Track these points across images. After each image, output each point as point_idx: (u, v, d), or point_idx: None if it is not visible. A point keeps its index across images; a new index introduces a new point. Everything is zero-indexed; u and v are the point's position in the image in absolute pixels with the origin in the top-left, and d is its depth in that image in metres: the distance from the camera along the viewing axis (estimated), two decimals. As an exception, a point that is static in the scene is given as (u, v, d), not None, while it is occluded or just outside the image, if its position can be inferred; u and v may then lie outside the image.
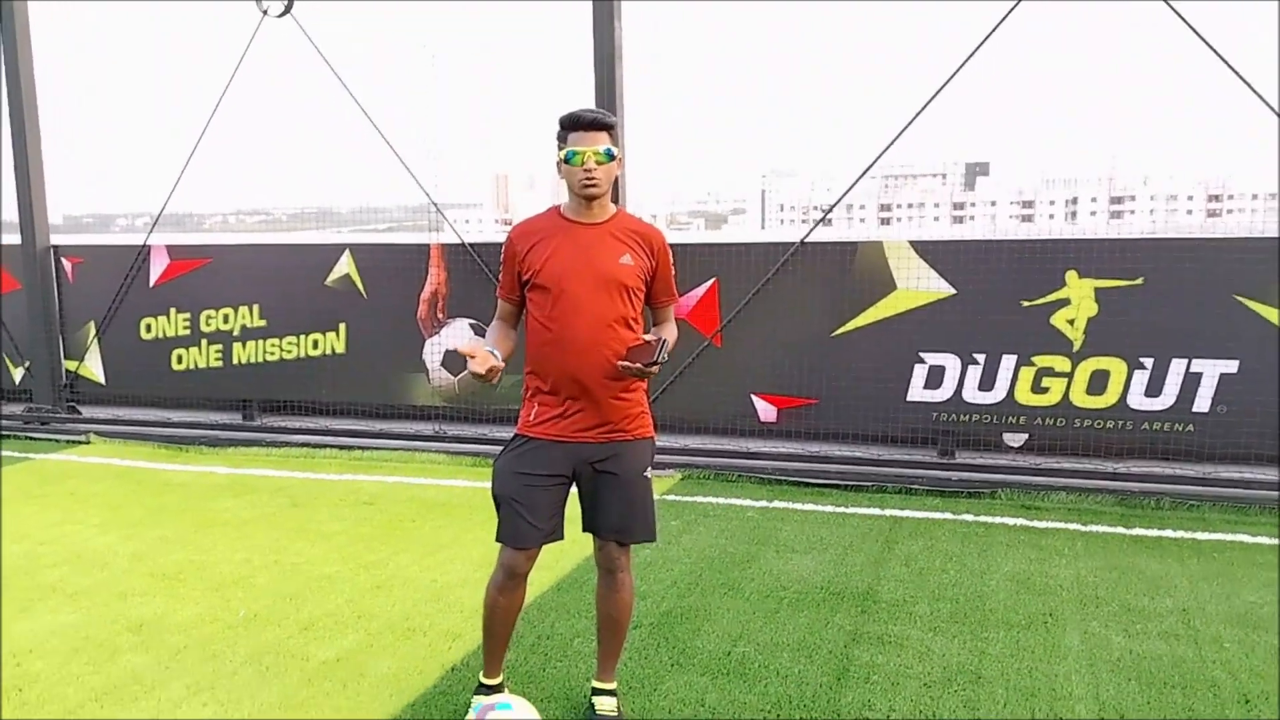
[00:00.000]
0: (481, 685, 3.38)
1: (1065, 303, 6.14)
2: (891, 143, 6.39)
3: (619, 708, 3.36)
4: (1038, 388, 6.25)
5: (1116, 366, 6.09)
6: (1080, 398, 6.17)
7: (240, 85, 7.78)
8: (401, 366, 7.63)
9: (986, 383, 6.34)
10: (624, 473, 3.18)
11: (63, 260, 8.44)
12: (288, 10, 7.47)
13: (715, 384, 6.87)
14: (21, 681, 3.73)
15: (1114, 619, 4.19)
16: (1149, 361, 6.04)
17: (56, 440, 7.97)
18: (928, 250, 6.38)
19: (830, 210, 7.27)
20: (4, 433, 8.20)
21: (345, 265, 7.67)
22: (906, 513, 5.73)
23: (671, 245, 6.93)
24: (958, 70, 6.12)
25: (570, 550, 4.33)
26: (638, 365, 2.99)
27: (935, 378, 6.44)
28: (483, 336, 3.20)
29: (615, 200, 6.78)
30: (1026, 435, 6.37)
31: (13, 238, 8.49)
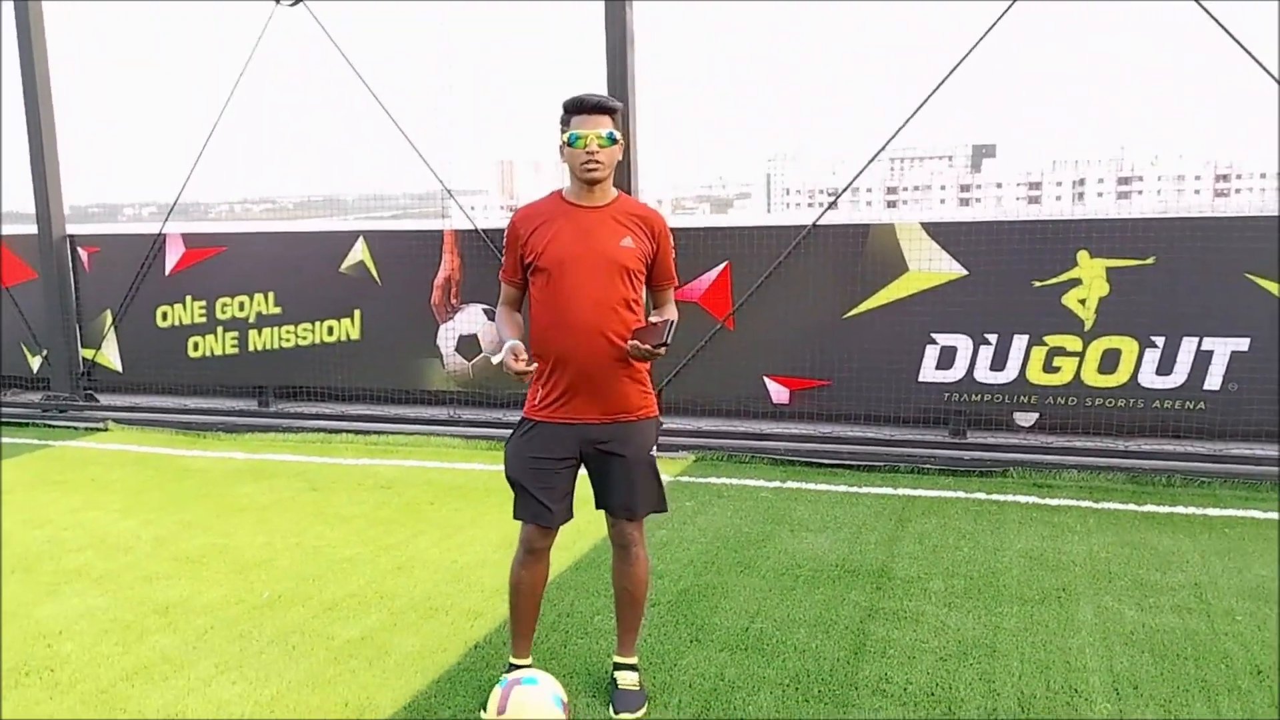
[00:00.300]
0: (511, 665, 3.44)
1: (1076, 283, 6.16)
2: (902, 126, 6.40)
3: (641, 682, 3.42)
4: (1049, 367, 6.28)
5: (1128, 345, 6.12)
6: (1092, 377, 6.20)
7: (250, 74, 7.83)
8: (416, 352, 7.69)
9: (998, 363, 6.37)
10: (630, 453, 3.23)
11: (79, 249, 8.51)
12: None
13: (728, 366, 6.92)
14: (53, 662, 3.80)
15: (1126, 593, 4.24)
16: (1160, 340, 6.07)
17: (75, 428, 8.05)
18: (939, 232, 6.41)
19: (840, 194, 7.30)
20: (23, 420, 8.28)
21: (360, 252, 7.73)
22: (919, 492, 5.78)
23: (684, 229, 6.98)
24: (968, 54, 6.13)
25: (587, 530, 4.40)
26: (646, 346, 3.05)
27: (947, 358, 6.48)
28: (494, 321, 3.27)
29: (627, 186, 6.85)
30: (1037, 415, 6.41)
31: (22, 227, 8.57)
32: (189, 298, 8.22)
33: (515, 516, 3.31)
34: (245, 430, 7.73)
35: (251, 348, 8.11)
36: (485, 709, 3.20)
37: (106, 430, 7.96)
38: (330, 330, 7.89)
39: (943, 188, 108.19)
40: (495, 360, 3.13)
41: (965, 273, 6.37)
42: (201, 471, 6.67)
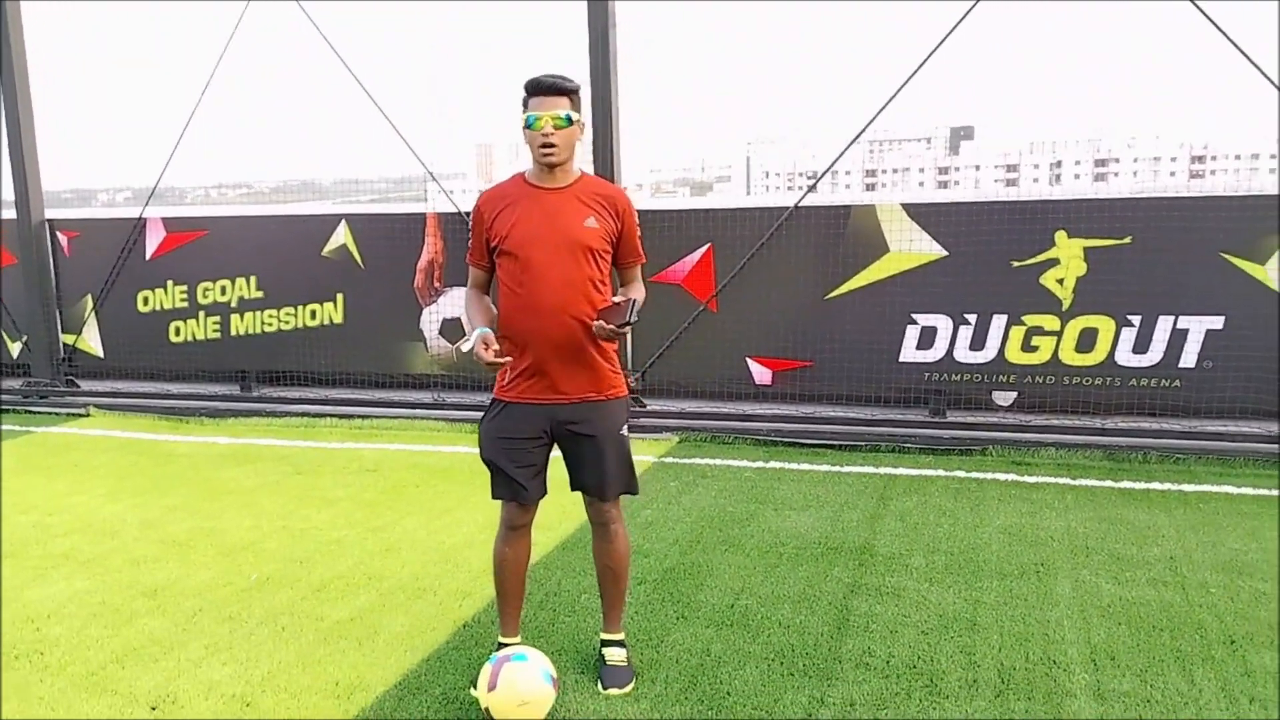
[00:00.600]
0: (500, 644, 3.48)
1: (1055, 262, 6.24)
2: (882, 108, 6.44)
3: (629, 658, 3.48)
4: (1028, 346, 6.36)
5: (1105, 324, 6.21)
6: (1069, 356, 6.29)
7: (227, 60, 7.78)
8: (399, 336, 7.70)
9: (977, 342, 6.45)
10: (599, 433, 3.27)
11: (58, 234, 8.45)
12: (277, -19, 7.45)
13: (711, 348, 6.97)
14: (42, 645, 3.82)
15: (1104, 567, 4.32)
16: (1136, 319, 6.16)
17: (56, 414, 8.02)
18: (920, 213, 6.47)
19: (821, 177, 7.33)
20: (3, 407, 8.24)
21: (342, 235, 7.71)
22: (900, 470, 5.85)
23: (666, 212, 7.00)
24: (946, 36, 6.18)
25: (572, 511, 4.43)
26: (610, 326, 3.08)
27: (927, 338, 6.54)
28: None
29: (609, 170, 6.87)
30: (1016, 394, 6.49)
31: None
32: (170, 282, 8.18)
33: (493, 496, 3.36)
34: (228, 415, 7.72)
35: (234, 332, 8.09)
36: (475, 686, 3.24)
37: (88, 416, 7.93)
38: (313, 314, 7.88)
39: (921, 170, 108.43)
40: (465, 349, 3.16)
41: (945, 253, 6.43)
42: (186, 456, 6.67)
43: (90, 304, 8.41)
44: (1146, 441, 6.06)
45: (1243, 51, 5.63)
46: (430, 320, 7.63)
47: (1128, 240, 6.11)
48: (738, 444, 6.53)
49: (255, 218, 8.38)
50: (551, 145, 3.11)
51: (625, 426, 3.36)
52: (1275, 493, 5.26)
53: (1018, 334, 6.37)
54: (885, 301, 6.57)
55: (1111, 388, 6.25)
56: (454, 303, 7.53)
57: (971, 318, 6.44)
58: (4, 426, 7.65)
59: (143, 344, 8.34)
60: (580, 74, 6.78)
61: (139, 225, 8.18)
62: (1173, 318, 6.10)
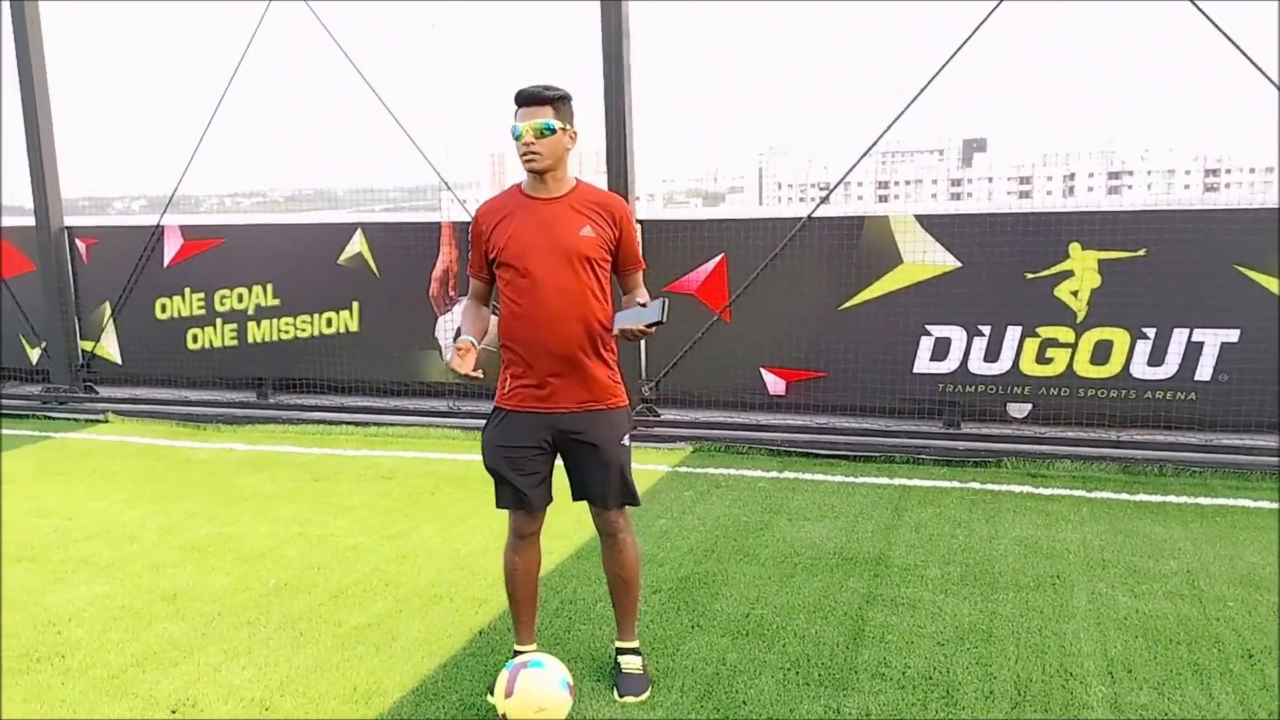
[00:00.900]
0: (516, 653, 3.49)
1: (1069, 274, 6.24)
2: (895, 120, 6.46)
3: (644, 666, 3.49)
4: (1042, 358, 6.36)
5: (1119, 337, 6.20)
6: (1084, 368, 6.29)
7: (244, 68, 7.84)
8: (415, 344, 7.73)
9: (992, 354, 6.45)
10: (601, 442, 3.29)
11: (77, 241, 8.53)
12: (296, -9, 7.52)
13: (725, 358, 6.99)
14: (63, 648, 3.85)
15: (1120, 580, 4.32)
16: (1151, 331, 6.15)
17: (75, 419, 8.08)
18: (933, 224, 6.48)
19: (834, 188, 7.36)
20: (23, 413, 8.31)
21: (358, 244, 7.76)
22: (915, 482, 5.86)
23: (681, 221, 7.01)
24: (959, 48, 6.19)
25: (587, 519, 4.41)
26: (639, 327, 3.09)
27: (941, 350, 6.55)
28: (496, 315, 3.36)
29: (623, 180, 6.90)
30: (1030, 406, 6.49)
31: (19, 219, 8.58)
32: (188, 290, 8.24)
33: (498, 505, 3.40)
34: (245, 422, 7.77)
35: (251, 340, 8.14)
36: (492, 692, 3.27)
37: (107, 422, 7.99)
38: (329, 322, 7.93)
39: (934, 182, 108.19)
40: (446, 359, 3.21)
41: (959, 265, 6.44)
42: (203, 462, 6.71)
43: (109, 311, 8.48)
44: (1162, 454, 6.05)
45: (1242, 51, 5.64)
46: (445, 328, 7.66)
47: (1142, 253, 6.11)
48: (752, 454, 6.54)
49: (272, 226, 8.44)
50: (534, 153, 3.14)
51: (627, 436, 3.38)
52: (1292, 506, 5.25)
53: (1032, 346, 6.37)
54: (899, 312, 6.58)
55: (1127, 400, 6.25)
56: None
57: (986, 329, 6.44)
58: (24, 432, 7.71)
59: (161, 351, 8.39)
60: (594, 84, 6.85)
61: (157, 233, 8.25)
62: (1188, 330, 6.09)
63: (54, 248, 8.41)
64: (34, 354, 8.77)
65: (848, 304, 6.68)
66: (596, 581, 4.36)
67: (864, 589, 4.27)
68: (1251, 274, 5.95)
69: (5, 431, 7.72)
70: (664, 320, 3.06)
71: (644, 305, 3.18)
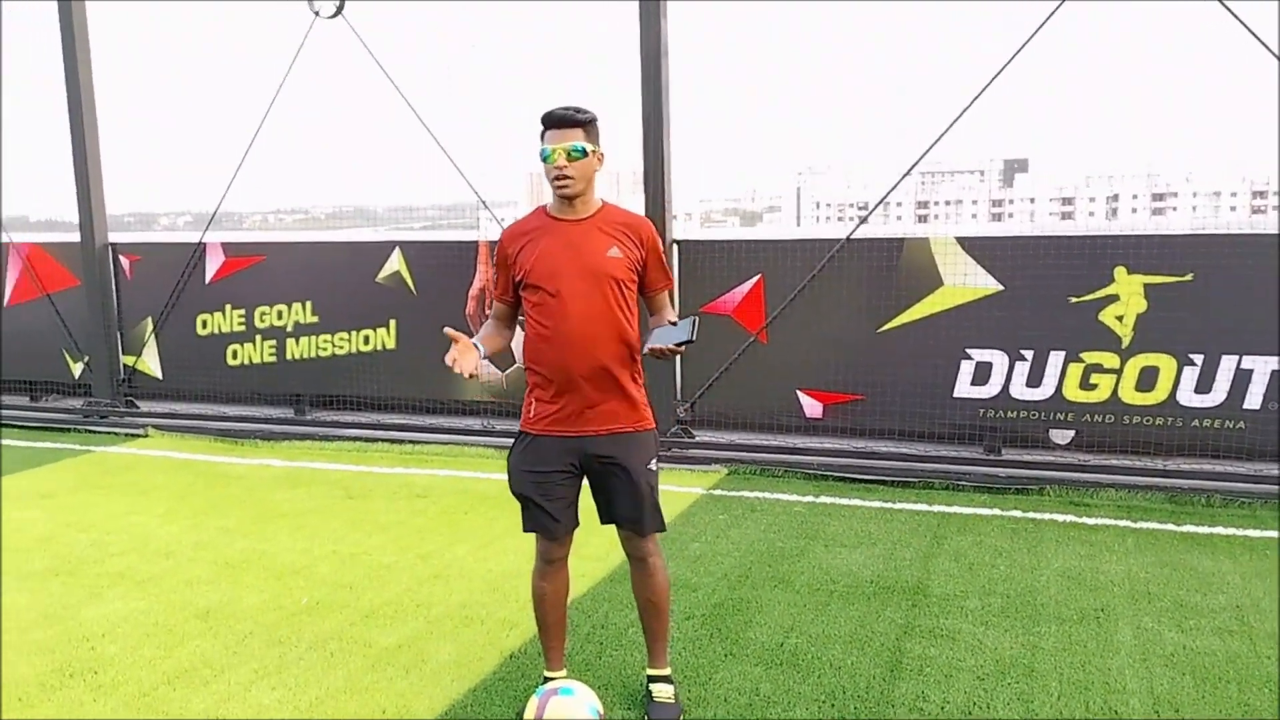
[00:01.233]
0: (546, 679, 3.46)
1: (1114, 299, 6.12)
2: (937, 139, 6.39)
3: (676, 694, 3.43)
4: (1086, 384, 6.24)
5: (1166, 363, 6.07)
6: (1129, 394, 6.16)
7: (287, 85, 7.93)
8: (450, 362, 7.73)
9: (1034, 379, 6.34)
10: (630, 465, 3.25)
11: (120, 257, 8.64)
12: (339, 12, 7.61)
13: (761, 380, 6.92)
14: (96, 664, 3.86)
15: (1166, 614, 4.20)
16: (1199, 358, 6.02)
17: (115, 433, 8.17)
18: (974, 247, 6.39)
19: (874, 209, 7.29)
20: (65, 425, 8.42)
21: (396, 262, 7.80)
22: (954, 509, 5.75)
23: (718, 242, 6.97)
24: (1003, 69, 6.12)
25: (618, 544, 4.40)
26: (669, 346, 3.05)
27: (982, 374, 6.45)
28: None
29: (659, 199, 6.87)
30: (1074, 432, 6.37)
31: (64, 235, 8.71)
32: (228, 306, 8.32)
33: (525, 529, 3.38)
34: (282, 438, 7.81)
35: (289, 356, 8.20)
36: (521, 718, 3.22)
37: (147, 436, 8.07)
38: (366, 340, 7.96)
39: (974, 202, 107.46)
40: (448, 359, 3.19)
41: (1000, 288, 6.34)
42: (240, 478, 6.75)
43: (150, 326, 8.58)
44: (1210, 484, 5.90)
45: (1265, 44, 5.51)
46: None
47: (1190, 277, 5.98)
48: (787, 478, 6.46)
49: (312, 244, 8.51)
50: (566, 178, 3.13)
51: (654, 460, 3.34)
52: (1346, 540, 5.10)
53: (1076, 371, 6.25)
54: (939, 336, 6.49)
55: (1173, 428, 6.10)
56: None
57: (1028, 354, 6.33)
58: (65, 445, 7.80)
59: (201, 366, 8.47)
60: (632, 103, 6.85)
61: (199, 250, 8.34)
62: (1236, 357, 5.95)
63: (98, 264, 8.53)
64: (76, 368, 8.89)
65: (887, 326, 6.60)
66: (628, 606, 4.31)
67: (902, 619, 4.18)
68: (1303, 300, 5.80)
69: (47, 445, 7.83)
70: (693, 339, 3.02)
71: (674, 324, 3.15)
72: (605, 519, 3.37)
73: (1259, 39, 5.63)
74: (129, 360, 8.73)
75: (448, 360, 3.18)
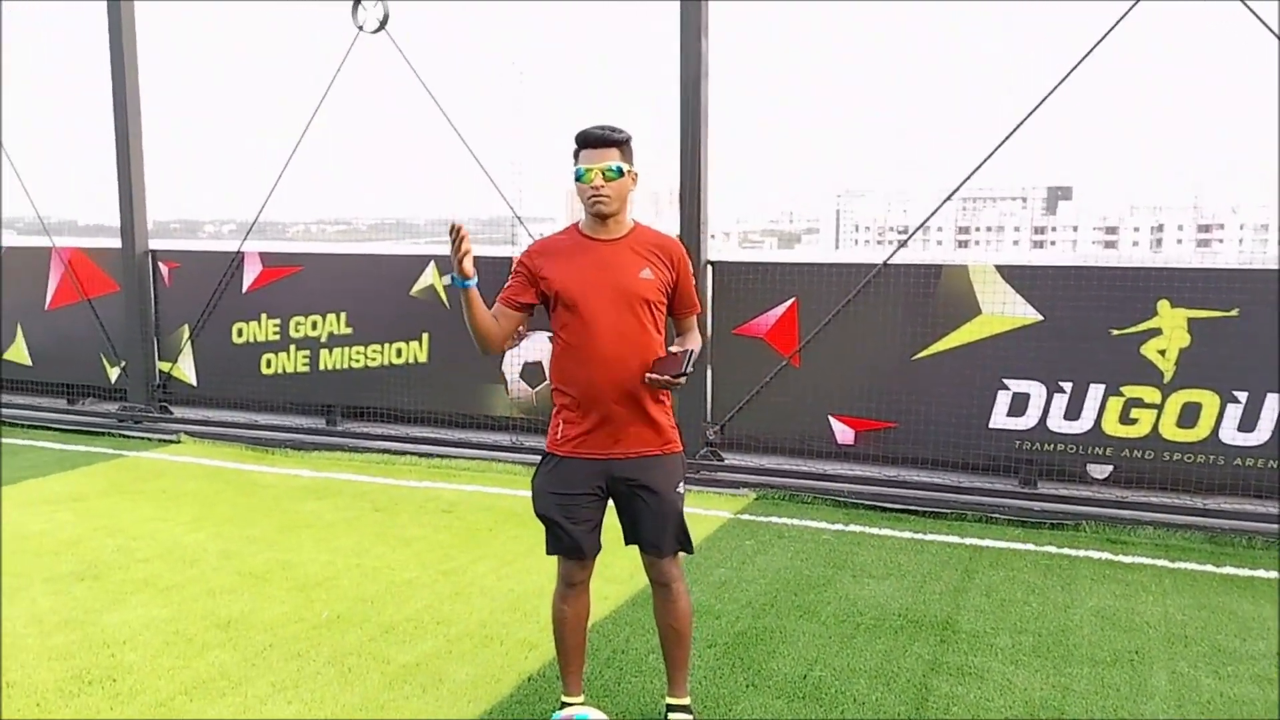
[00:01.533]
0: (563, 704, 3.41)
1: (1156, 332, 6.00)
2: (979, 166, 6.32)
3: (696, 726, 3.37)
4: (1126, 419, 6.11)
5: (1209, 399, 5.93)
6: (1170, 430, 6.01)
7: (330, 97, 8.00)
8: (481, 377, 7.73)
9: (1073, 412, 6.21)
10: (658, 488, 3.20)
11: (160, 264, 8.74)
12: (382, 27, 7.67)
13: (792, 404, 6.85)
14: (115, 671, 3.86)
15: (1204, 660, 4.07)
16: (1243, 395, 5.87)
17: (149, 439, 8.24)
18: (1014, 275, 6.29)
19: (913, 234, 7.21)
20: (100, 429, 8.50)
21: (430, 276, 7.82)
22: (987, 542, 5.64)
23: (753, 264, 6.92)
24: (1049, 95, 6.04)
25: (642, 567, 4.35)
26: (665, 377, 3.03)
27: (1019, 405, 6.33)
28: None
29: (696, 219, 6.84)
30: (1112, 467, 6.23)
31: (105, 240, 8.82)
32: (264, 315, 8.38)
33: (548, 551, 3.34)
34: (312, 448, 7.84)
35: (322, 367, 8.23)
36: (538, 744, 3.17)
37: (179, 443, 8.13)
38: (399, 352, 7.98)
39: (1016, 229, 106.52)
40: (445, 282, 3.07)
41: (1040, 318, 6.23)
42: (269, 487, 6.77)
43: (187, 333, 8.65)
44: (1252, 525, 5.74)
45: None
46: (512, 363, 7.62)
47: (1234, 313, 5.85)
48: (817, 504, 6.37)
49: (347, 256, 8.56)
50: (603, 196, 3.09)
51: (682, 484, 3.29)
52: (1394, 588, 4.93)
53: (1115, 405, 6.12)
54: (976, 365, 6.38)
55: (1215, 466, 5.95)
56: (536, 346, 7.50)
57: (1067, 386, 6.21)
58: (99, 449, 7.88)
59: (235, 375, 8.53)
60: (670, 122, 6.83)
61: (237, 259, 8.41)
62: (1283, 396, 5.80)
63: (138, 270, 8.63)
64: (113, 373, 8.98)
65: (922, 354, 6.51)
66: (650, 632, 4.25)
67: (929, 655, 4.08)
68: (1354, 339, 5.64)
69: (80, 448, 7.91)
70: (687, 371, 3.03)
71: (673, 354, 3.11)
72: (629, 540, 3.32)
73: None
74: (165, 366, 8.81)
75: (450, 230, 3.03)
